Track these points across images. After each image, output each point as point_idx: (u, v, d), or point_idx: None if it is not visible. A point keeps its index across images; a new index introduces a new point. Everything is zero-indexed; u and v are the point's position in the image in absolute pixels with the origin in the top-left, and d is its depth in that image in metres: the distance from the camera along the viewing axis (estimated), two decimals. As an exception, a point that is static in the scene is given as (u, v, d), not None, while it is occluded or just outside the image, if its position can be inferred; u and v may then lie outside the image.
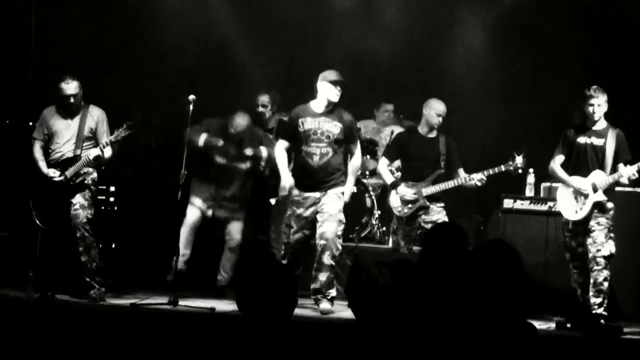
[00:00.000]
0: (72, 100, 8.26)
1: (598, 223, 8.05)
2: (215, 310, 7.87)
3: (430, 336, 6.35)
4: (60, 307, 7.82)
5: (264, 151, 9.13)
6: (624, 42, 10.44)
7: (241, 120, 8.98)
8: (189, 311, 7.80)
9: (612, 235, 8.03)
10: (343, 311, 8.24)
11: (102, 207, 9.26)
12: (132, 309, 7.73)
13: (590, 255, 8.02)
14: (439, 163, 8.79)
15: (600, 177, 8.06)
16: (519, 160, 8.57)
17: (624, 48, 10.44)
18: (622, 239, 8.34)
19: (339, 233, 8.38)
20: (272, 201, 9.42)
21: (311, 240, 8.52)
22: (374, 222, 10.20)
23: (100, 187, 8.79)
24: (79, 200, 8.22)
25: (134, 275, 9.18)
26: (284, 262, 8.48)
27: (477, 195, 9.53)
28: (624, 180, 8.04)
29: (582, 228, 8.14)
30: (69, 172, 8.22)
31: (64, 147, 8.30)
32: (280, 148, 8.61)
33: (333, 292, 8.42)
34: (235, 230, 9.10)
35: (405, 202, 8.77)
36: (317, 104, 8.50)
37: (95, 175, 8.38)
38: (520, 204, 9.25)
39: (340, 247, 8.42)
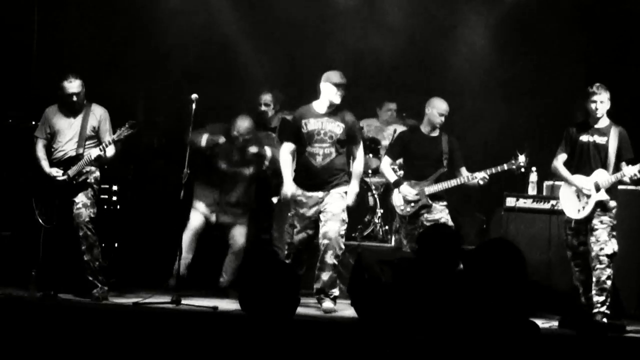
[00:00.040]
0: (74, 98, 8.26)
1: (601, 222, 8.04)
2: (217, 309, 7.88)
3: (430, 336, 6.34)
4: (62, 306, 7.82)
5: (268, 151, 9.13)
6: (625, 42, 10.44)
7: (243, 123, 8.96)
8: (191, 310, 7.80)
9: (614, 233, 8.04)
10: (346, 310, 8.23)
11: (105, 206, 9.27)
12: (134, 308, 7.74)
13: (593, 253, 8.02)
14: (442, 162, 8.78)
15: (603, 177, 8.05)
16: (522, 158, 8.57)
17: (625, 48, 10.44)
18: (624, 238, 8.35)
19: (342, 232, 8.39)
20: (274, 200, 9.41)
21: (314, 240, 8.52)
22: (376, 220, 10.20)
23: (102, 186, 8.81)
24: (81, 199, 8.22)
25: (136, 274, 9.18)
26: (287, 261, 8.48)
27: (480, 193, 9.55)
28: (626, 179, 8.05)
29: (584, 227, 8.14)
30: (72, 171, 8.22)
31: (67, 145, 8.31)
32: (286, 151, 8.58)
33: (336, 292, 8.43)
34: (238, 234, 9.08)
35: (407, 200, 8.77)
36: (320, 105, 8.51)
37: (97, 174, 8.38)
38: (523, 203, 9.25)
39: (343, 246, 8.43)
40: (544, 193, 9.40)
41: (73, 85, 8.25)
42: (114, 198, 9.46)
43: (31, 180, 8.43)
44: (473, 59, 10.85)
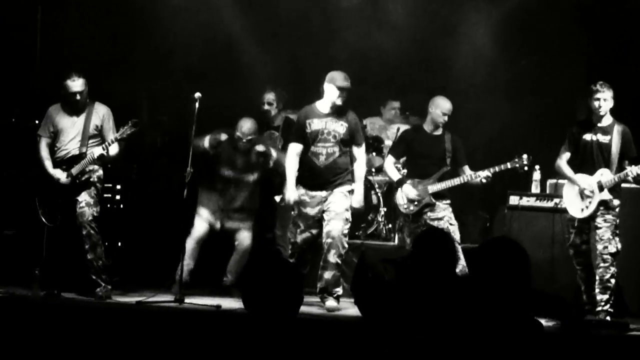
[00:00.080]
0: (77, 97, 8.27)
1: (605, 220, 8.05)
2: (221, 307, 7.88)
3: (430, 336, 6.33)
4: (66, 305, 7.83)
5: (273, 152, 9.12)
6: (625, 42, 10.43)
7: (246, 123, 8.94)
8: (195, 309, 7.81)
9: (617, 232, 8.04)
10: (349, 308, 8.24)
11: (108, 205, 9.28)
12: (138, 307, 7.74)
13: (597, 252, 8.03)
14: (445, 160, 8.78)
15: (606, 176, 8.05)
16: (525, 157, 8.56)
17: (625, 48, 10.43)
18: (627, 236, 8.35)
19: (345, 232, 8.39)
20: (277, 199, 9.40)
21: (318, 239, 8.52)
22: (379, 219, 10.20)
23: (106, 185, 8.80)
24: (84, 198, 8.23)
25: (139, 273, 9.19)
26: (291, 261, 8.48)
27: (483, 192, 9.55)
28: (630, 179, 8.05)
29: (587, 225, 8.16)
30: (75, 170, 8.23)
31: (70, 144, 8.31)
32: (293, 153, 8.54)
33: (339, 291, 8.42)
34: (244, 237, 9.02)
35: (411, 199, 8.77)
36: (323, 105, 8.51)
37: (100, 172, 8.38)
38: (526, 201, 9.24)
39: (346, 245, 8.43)
40: (548, 191, 9.38)
41: (76, 84, 8.25)
42: (117, 197, 9.47)
43: (34, 179, 8.43)
44: (476, 57, 10.84)
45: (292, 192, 8.48)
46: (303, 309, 7.47)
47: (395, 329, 6.65)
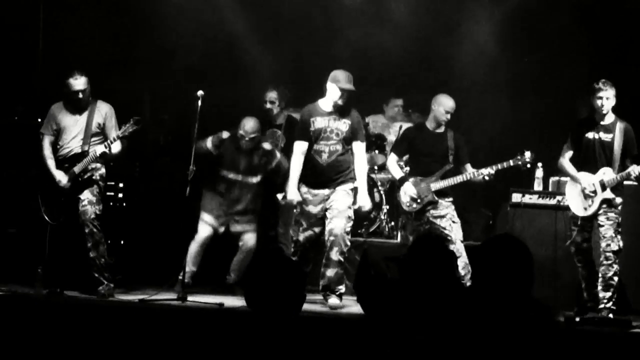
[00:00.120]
0: (80, 95, 8.28)
1: (607, 218, 8.05)
2: (223, 305, 7.88)
3: (430, 336, 6.33)
4: (69, 303, 7.84)
5: (277, 154, 9.13)
6: (626, 42, 10.43)
7: (249, 122, 8.94)
8: (197, 307, 7.81)
9: (620, 230, 8.04)
10: (352, 306, 8.25)
11: (111, 203, 9.28)
12: (140, 305, 7.76)
13: (600, 250, 8.03)
14: (448, 158, 8.77)
15: (608, 175, 8.05)
16: (528, 154, 8.56)
17: (625, 47, 10.43)
18: (629, 234, 8.35)
19: (348, 229, 8.40)
20: (279, 196, 9.40)
21: (321, 237, 8.52)
22: (382, 217, 10.20)
23: (109, 183, 8.82)
24: (87, 196, 8.23)
25: (142, 271, 9.19)
26: (293, 259, 8.48)
27: (486, 189, 9.54)
28: (632, 178, 8.06)
29: (589, 224, 8.16)
30: (77, 168, 8.23)
31: (72, 142, 8.32)
32: (299, 151, 8.53)
33: (342, 288, 8.43)
34: (249, 238, 9.03)
35: (413, 197, 8.76)
36: (326, 103, 8.52)
37: (103, 170, 8.39)
38: (529, 198, 9.25)
39: (348, 243, 8.44)
40: (550, 189, 9.39)
41: (79, 83, 8.26)
42: (120, 195, 9.46)
43: (37, 177, 8.44)
44: (478, 56, 10.83)
45: (294, 193, 8.47)
46: (306, 306, 7.48)
47: (397, 326, 6.66)
